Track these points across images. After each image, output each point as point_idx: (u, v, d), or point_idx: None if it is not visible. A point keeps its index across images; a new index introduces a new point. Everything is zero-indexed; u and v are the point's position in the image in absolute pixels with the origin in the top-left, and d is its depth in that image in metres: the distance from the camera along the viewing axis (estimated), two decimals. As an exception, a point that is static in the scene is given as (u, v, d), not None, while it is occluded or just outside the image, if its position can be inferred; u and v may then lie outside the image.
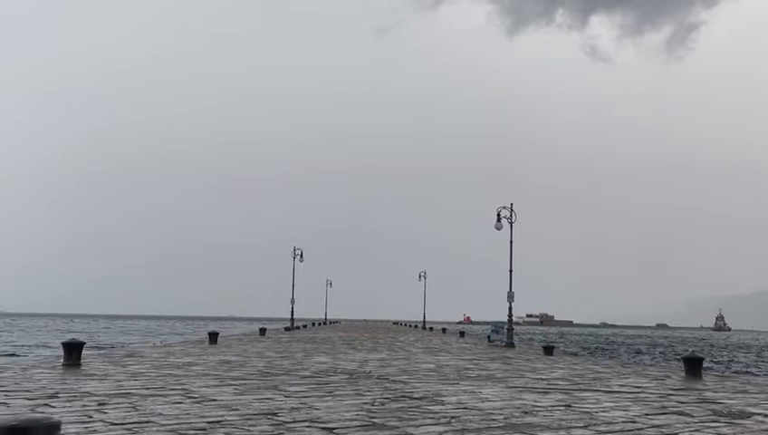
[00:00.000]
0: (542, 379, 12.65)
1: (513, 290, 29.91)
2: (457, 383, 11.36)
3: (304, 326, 56.88)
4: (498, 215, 30.46)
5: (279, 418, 7.09)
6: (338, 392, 9.54)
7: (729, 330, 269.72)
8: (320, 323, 74.75)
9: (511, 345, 27.95)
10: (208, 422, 6.69)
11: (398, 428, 6.64)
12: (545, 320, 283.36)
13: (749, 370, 34.69)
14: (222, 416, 7.12)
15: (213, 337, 24.36)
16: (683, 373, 14.60)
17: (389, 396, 9.23)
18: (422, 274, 77.28)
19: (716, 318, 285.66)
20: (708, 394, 10.65)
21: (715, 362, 40.01)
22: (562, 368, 15.83)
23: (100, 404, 7.81)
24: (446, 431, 6.49)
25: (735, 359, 46.88)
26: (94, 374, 11.46)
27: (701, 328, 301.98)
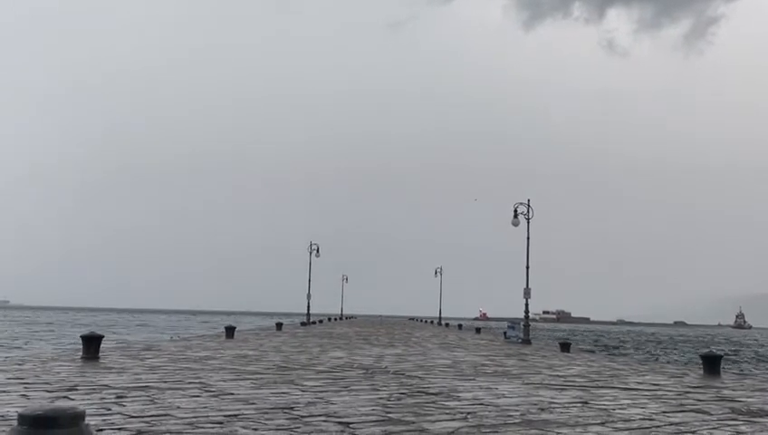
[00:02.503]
0: (558, 376, 12.60)
1: (529, 287, 29.82)
2: (473, 379, 11.34)
3: (320, 322, 57.08)
4: (515, 211, 30.37)
5: (295, 412, 7.12)
6: (354, 387, 9.56)
7: (749, 328, 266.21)
8: (336, 319, 74.95)
9: (527, 342, 27.86)
10: (225, 416, 6.73)
11: (413, 423, 6.64)
12: (562, 317, 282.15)
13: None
14: (239, 410, 7.16)
15: (230, 332, 24.51)
16: (701, 371, 14.48)
17: (405, 391, 9.23)
18: (438, 270, 77.31)
19: (736, 316, 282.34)
20: (727, 392, 10.54)
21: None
22: (579, 365, 15.76)
23: (118, 397, 7.89)
24: (462, 427, 6.48)
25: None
26: (112, 367, 11.57)
27: (719, 326, 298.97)
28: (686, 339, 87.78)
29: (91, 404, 7.20)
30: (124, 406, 7.20)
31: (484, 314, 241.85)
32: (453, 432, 6.22)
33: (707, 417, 7.72)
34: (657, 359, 33.23)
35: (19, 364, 11.80)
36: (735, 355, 48.74)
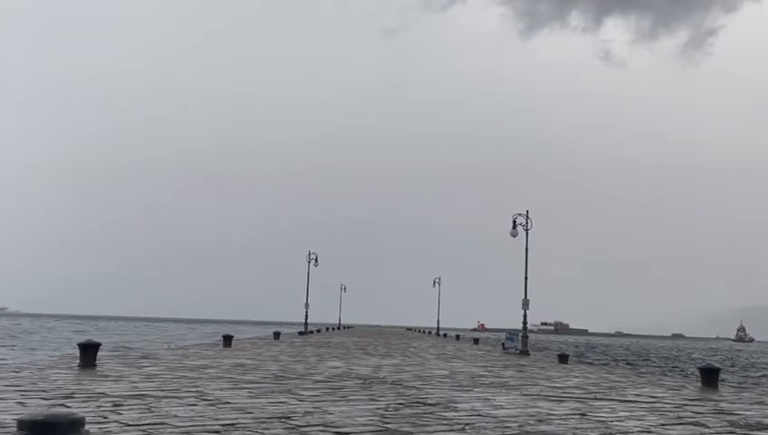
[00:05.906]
0: (556, 387, 12.58)
1: (528, 298, 29.78)
2: (471, 390, 11.32)
3: (318, 331, 56.95)
4: (514, 222, 30.35)
5: (293, 422, 7.10)
6: (351, 397, 9.55)
7: (751, 341, 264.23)
8: (333, 328, 74.78)
9: (525, 353, 27.81)
10: (222, 425, 6.72)
11: (411, 433, 6.63)
12: (560, 328, 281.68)
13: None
14: (236, 419, 7.15)
15: (227, 340, 24.45)
16: (699, 384, 14.46)
17: (403, 402, 9.21)
18: (436, 280, 77.15)
19: (737, 329, 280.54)
20: (724, 405, 10.53)
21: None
22: (577, 376, 15.73)
23: (115, 405, 7.87)
24: (459, 438, 6.46)
25: None
26: (109, 375, 11.54)
27: (717, 338, 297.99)
28: (680, 354, 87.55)
29: (88, 412, 7.17)
30: (121, 414, 7.18)
31: (483, 325, 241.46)
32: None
33: (705, 430, 7.71)
34: (654, 371, 33.18)
35: (16, 371, 11.77)
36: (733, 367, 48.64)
